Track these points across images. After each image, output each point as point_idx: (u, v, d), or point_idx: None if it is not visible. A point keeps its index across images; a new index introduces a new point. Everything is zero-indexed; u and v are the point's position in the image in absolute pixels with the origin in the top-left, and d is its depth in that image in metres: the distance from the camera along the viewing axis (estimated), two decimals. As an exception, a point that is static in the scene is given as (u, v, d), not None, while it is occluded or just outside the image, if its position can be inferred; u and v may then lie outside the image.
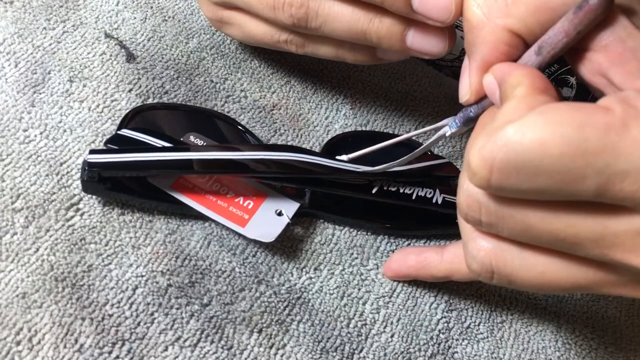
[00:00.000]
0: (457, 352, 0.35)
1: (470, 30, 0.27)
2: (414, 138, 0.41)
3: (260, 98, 0.40)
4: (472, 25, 0.27)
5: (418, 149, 0.33)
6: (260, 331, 0.32)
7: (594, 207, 0.23)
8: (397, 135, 0.38)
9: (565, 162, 0.22)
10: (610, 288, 0.26)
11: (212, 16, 0.37)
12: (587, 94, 0.52)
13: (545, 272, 0.26)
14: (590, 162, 0.22)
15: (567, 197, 0.23)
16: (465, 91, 0.28)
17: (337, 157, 0.34)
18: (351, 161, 0.34)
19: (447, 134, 0.30)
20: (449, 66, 0.57)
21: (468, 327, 0.36)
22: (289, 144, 0.39)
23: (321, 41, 0.35)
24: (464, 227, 0.27)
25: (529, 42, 0.27)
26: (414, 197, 0.36)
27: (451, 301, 0.37)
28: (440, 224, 0.38)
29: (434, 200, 0.36)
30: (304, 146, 0.39)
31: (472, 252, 0.27)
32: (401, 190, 0.36)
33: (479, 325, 0.37)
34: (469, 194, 0.25)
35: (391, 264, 0.36)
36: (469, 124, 0.30)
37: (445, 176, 0.38)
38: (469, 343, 0.36)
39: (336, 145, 0.38)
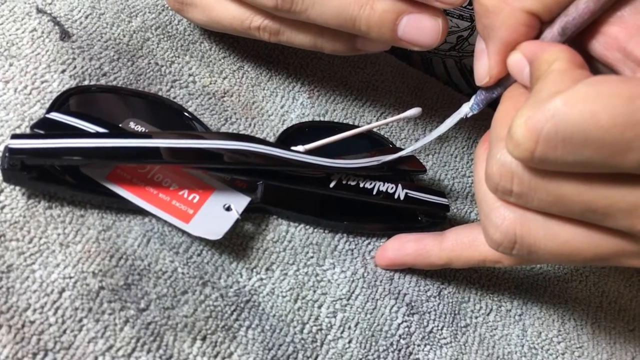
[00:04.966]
0: (419, 359, 0.33)
1: (486, 15, 0.27)
2: (375, 130, 0.39)
3: (210, 84, 0.37)
4: (489, 10, 0.27)
5: (434, 131, 0.32)
6: (204, 338, 0.29)
7: (629, 179, 0.23)
8: (358, 127, 0.36)
9: (614, 134, 0.21)
10: (630, 259, 0.26)
11: None
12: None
13: (569, 241, 0.26)
14: (639, 134, 0.21)
15: (609, 169, 0.23)
16: (484, 74, 0.28)
17: (293, 148, 0.32)
18: (308, 152, 0.32)
19: (469, 116, 0.31)
20: (419, 50, 0.55)
21: (430, 331, 0.34)
22: (241, 133, 0.36)
23: (300, 28, 0.32)
24: (486, 196, 0.27)
25: (545, 20, 0.27)
26: (374, 192, 0.33)
27: (413, 304, 0.34)
28: (403, 221, 0.36)
29: (396, 196, 0.34)
30: (257, 136, 0.36)
31: (496, 221, 0.26)
32: (361, 185, 0.33)
33: (441, 329, 0.34)
34: (502, 163, 0.25)
35: (387, 252, 0.34)
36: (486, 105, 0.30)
37: (408, 170, 0.35)
38: (431, 349, 0.34)
39: (292, 135, 0.36)
